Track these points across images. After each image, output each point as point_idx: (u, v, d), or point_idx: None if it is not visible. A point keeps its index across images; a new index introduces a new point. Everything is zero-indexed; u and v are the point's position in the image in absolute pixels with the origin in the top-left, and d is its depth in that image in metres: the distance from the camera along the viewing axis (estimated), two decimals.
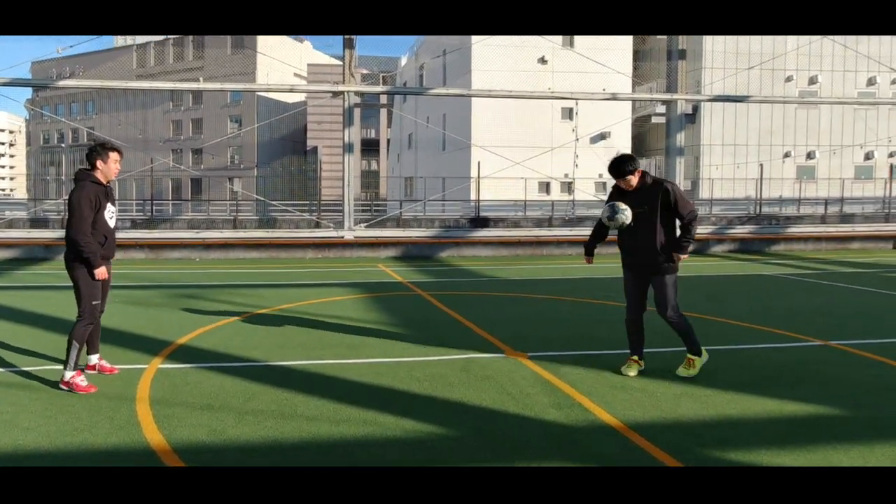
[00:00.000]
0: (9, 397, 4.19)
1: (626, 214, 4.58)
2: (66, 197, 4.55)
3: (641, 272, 4.74)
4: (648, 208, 4.54)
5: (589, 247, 5.13)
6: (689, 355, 4.75)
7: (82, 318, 4.41)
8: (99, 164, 4.49)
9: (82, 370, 4.49)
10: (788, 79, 31.15)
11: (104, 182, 4.52)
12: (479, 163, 17.66)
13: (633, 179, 4.58)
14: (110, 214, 4.55)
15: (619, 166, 4.56)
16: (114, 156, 4.54)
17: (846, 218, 20.67)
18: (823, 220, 20.26)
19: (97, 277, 4.38)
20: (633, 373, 4.78)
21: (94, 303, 4.42)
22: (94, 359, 4.72)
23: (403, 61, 42.64)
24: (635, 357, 4.86)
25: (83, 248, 4.29)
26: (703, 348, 4.75)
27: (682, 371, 4.73)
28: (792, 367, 5.02)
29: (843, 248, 17.00)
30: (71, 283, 4.45)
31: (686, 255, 4.60)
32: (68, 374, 4.35)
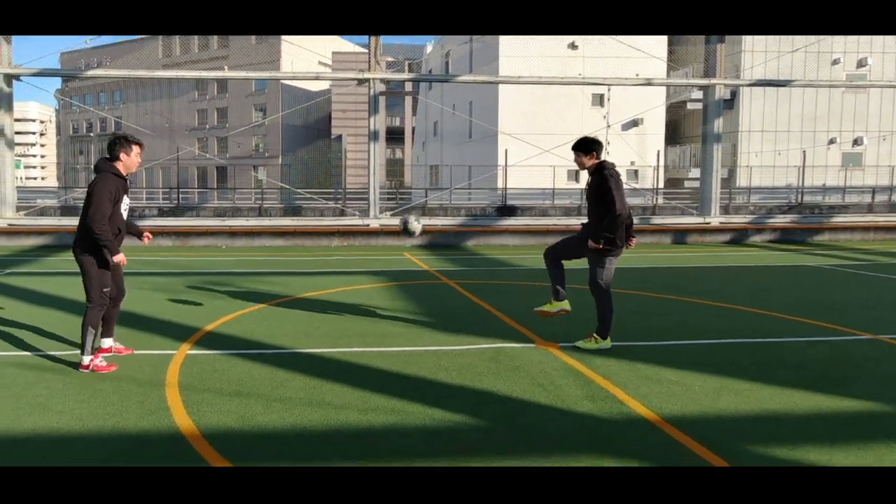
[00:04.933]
0: (42, 381, 4.23)
1: (414, 225, 5.85)
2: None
3: (584, 241, 4.99)
4: (591, 190, 4.90)
5: None
6: (595, 333, 5.03)
7: (93, 304, 4.48)
8: (123, 156, 4.55)
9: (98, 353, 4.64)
10: (835, 62, 29.82)
11: (124, 174, 4.59)
12: (506, 151, 17.43)
13: (586, 160, 4.90)
14: (125, 207, 4.66)
15: (584, 141, 4.94)
16: (136, 149, 4.62)
17: None
18: (871, 209, 19.46)
19: (118, 262, 4.49)
20: (546, 308, 5.25)
21: (104, 290, 4.50)
22: (108, 342, 4.79)
23: (429, 48, 42.35)
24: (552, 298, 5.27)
25: (100, 236, 4.34)
26: (609, 337, 5.02)
27: (581, 342, 5.05)
28: (839, 362, 4.82)
29: (893, 239, 16.36)
30: (79, 271, 4.52)
31: (597, 245, 4.80)
32: (86, 359, 4.46)
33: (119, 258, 4.47)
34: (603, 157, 4.96)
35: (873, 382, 4.28)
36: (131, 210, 4.80)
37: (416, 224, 5.93)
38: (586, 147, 4.90)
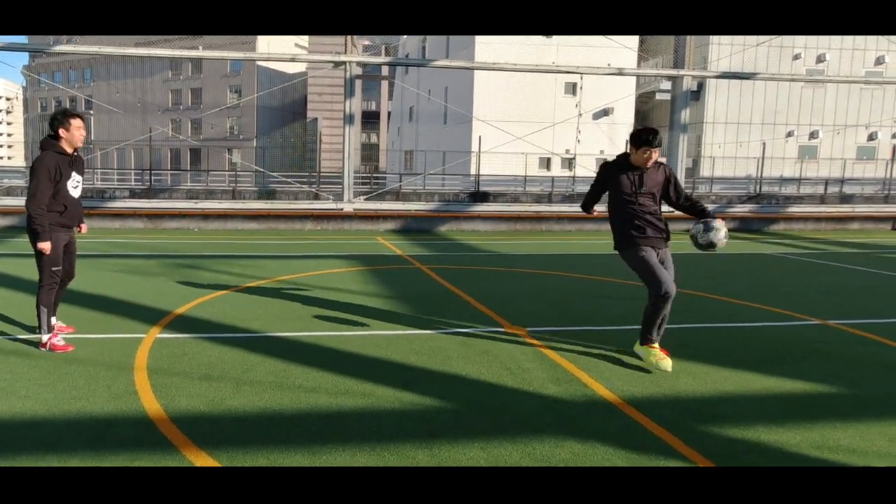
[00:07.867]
0: (6, 365, 4.18)
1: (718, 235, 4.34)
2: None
3: (656, 248, 4.60)
4: (655, 188, 4.55)
5: (587, 205, 5.05)
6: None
7: (43, 284, 4.53)
8: (62, 132, 4.45)
9: (56, 332, 4.65)
10: (796, 56, 30.72)
11: (69, 151, 4.50)
12: (479, 137, 17.48)
13: (655, 155, 4.52)
14: (74, 184, 4.57)
15: (655, 134, 4.44)
16: (76, 123, 4.48)
17: (846, 198, 20.62)
18: (823, 200, 20.21)
19: (41, 250, 4.44)
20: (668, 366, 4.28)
21: (54, 269, 4.54)
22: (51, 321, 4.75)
23: None
24: (656, 344, 4.42)
25: (34, 219, 4.35)
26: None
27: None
28: (791, 345, 5.02)
29: (843, 229, 16.99)
30: (33, 252, 4.54)
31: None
32: (45, 338, 4.53)
33: (43, 247, 4.41)
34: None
35: (823, 366, 4.48)
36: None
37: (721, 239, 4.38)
38: (660, 141, 4.44)
